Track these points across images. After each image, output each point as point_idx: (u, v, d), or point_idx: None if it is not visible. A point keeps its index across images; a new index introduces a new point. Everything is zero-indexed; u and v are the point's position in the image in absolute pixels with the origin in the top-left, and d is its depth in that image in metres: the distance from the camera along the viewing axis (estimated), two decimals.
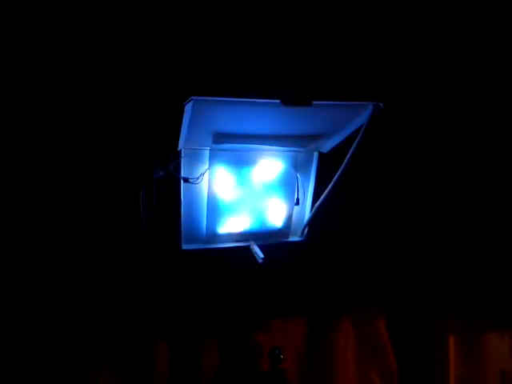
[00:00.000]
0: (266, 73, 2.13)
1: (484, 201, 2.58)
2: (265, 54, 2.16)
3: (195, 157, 1.99)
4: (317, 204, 2.13)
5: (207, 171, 2.00)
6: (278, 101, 1.73)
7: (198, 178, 1.99)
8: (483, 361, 2.62)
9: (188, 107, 1.70)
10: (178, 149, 1.96)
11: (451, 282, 2.62)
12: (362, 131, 1.88)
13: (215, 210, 2.07)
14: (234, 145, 1.99)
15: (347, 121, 1.95)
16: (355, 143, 1.91)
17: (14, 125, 2.07)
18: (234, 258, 2.22)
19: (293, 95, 1.74)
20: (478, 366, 2.62)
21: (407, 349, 2.66)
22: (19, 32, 1.99)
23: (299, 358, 2.55)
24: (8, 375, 2.11)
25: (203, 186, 2.02)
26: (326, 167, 2.15)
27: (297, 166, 2.15)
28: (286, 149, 2.09)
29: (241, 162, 2.07)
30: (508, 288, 2.55)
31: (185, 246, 2.09)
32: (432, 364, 2.64)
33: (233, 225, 2.13)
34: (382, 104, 1.83)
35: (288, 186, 2.17)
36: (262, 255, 2.09)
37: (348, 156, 1.93)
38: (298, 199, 2.17)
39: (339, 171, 1.97)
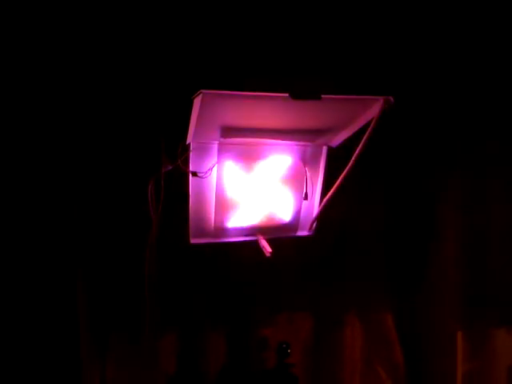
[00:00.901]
0: (275, 66, 2.12)
1: (488, 196, 2.56)
2: (274, 47, 2.14)
3: (204, 151, 1.98)
4: (325, 199, 2.11)
5: (216, 165, 2.00)
6: (286, 94, 1.71)
7: (206, 172, 1.98)
8: (491, 356, 2.61)
9: (197, 101, 1.69)
10: (187, 142, 1.95)
11: (459, 277, 2.61)
12: (371, 126, 1.87)
13: (223, 204, 2.07)
14: (243, 139, 1.98)
15: (357, 115, 1.93)
16: (365, 138, 1.89)
17: (19, 115, 2.08)
18: (242, 252, 2.22)
19: (302, 89, 1.72)
20: (486, 362, 2.61)
21: (414, 344, 2.65)
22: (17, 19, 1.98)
23: (306, 353, 2.55)
24: (9, 363, 2.11)
25: (212, 180, 2.02)
26: (334, 162, 2.14)
27: (305, 160, 2.14)
28: (294, 143, 2.08)
29: (249, 156, 2.06)
30: None
31: (193, 240, 2.10)
32: (439, 359, 2.63)
33: (241, 219, 2.13)
34: (392, 98, 1.81)
35: (296, 180, 2.16)
36: (269, 249, 2.09)
37: (357, 150, 1.91)
38: (306, 194, 2.16)
39: (348, 166, 1.95)
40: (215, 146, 1.98)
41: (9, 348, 2.10)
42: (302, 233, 2.27)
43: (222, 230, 2.12)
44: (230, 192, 2.07)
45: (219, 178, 2.02)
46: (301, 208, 2.22)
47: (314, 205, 2.22)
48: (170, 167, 1.99)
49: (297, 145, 2.10)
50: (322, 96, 1.74)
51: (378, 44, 2.26)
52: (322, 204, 2.14)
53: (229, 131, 1.92)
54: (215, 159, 1.99)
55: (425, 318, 2.65)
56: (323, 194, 2.17)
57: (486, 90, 2.42)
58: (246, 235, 2.17)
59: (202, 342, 2.43)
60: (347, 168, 1.96)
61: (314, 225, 2.26)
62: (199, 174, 1.97)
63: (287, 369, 2.36)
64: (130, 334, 2.30)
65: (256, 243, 2.15)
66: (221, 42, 2.12)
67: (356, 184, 2.18)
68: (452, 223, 2.60)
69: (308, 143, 2.11)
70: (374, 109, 1.86)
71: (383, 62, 2.27)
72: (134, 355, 2.31)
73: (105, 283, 2.24)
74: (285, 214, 2.21)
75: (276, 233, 2.20)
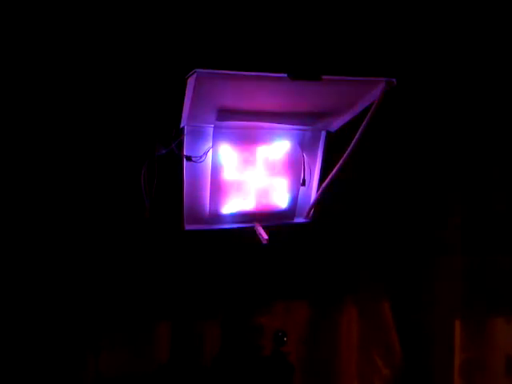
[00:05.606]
0: (274, 46, 2.07)
1: (489, 186, 2.54)
2: (273, 25, 2.09)
3: (198, 134, 1.94)
4: (323, 185, 2.08)
5: (211, 149, 1.95)
6: (284, 75, 1.66)
7: (201, 157, 1.94)
8: (489, 346, 2.61)
9: (191, 81, 1.63)
10: (181, 126, 1.90)
11: (457, 267, 2.60)
12: (372, 109, 1.82)
13: (219, 189, 2.03)
14: (239, 122, 1.93)
15: (358, 98, 1.88)
16: (365, 122, 1.85)
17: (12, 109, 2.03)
18: (238, 239, 2.19)
19: (301, 69, 1.67)
20: (484, 351, 2.62)
21: (412, 331, 2.65)
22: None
23: (303, 340, 2.55)
24: (8, 354, 2.10)
25: (206, 164, 1.97)
26: (333, 147, 2.09)
27: (303, 145, 2.10)
28: (292, 127, 2.04)
29: (245, 141, 2.01)
30: None
31: (187, 227, 2.06)
32: (437, 348, 2.63)
33: (236, 205, 2.09)
34: (394, 80, 1.76)
35: (294, 165, 2.11)
36: (266, 236, 2.05)
37: (357, 135, 1.87)
38: (304, 180, 2.12)
39: (347, 151, 1.91)
40: (210, 130, 1.93)
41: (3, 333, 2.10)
42: (299, 220, 2.23)
43: (217, 217, 2.08)
44: (226, 177, 2.02)
45: (214, 163, 1.98)
46: (298, 194, 2.17)
47: (312, 191, 2.18)
48: (164, 151, 1.94)
49: (295, 129, 2.05)
50: (323, 77, 1.68)
51: (382, 24, 2.20)
52: (320, 190, 2.11)
53: (225, 114, 1.87)
54: (210, 143, 1.94)
55: (423, 305, 2.65)
56: (321, 180, 2.13)
57: (486, 77, 2.38)
58: (242, 222, 2.13)
59: (198, 329, 2.42)
60: (346, 153, 1.92)
61: (312, 211, 2.22)
62: (194, 159, 1.93)
63: (283, 357, 2.36)
64: (124, 320, 2.29)
65: (252, 230, 2.11)
66: (218, 20, 2.05)
67: (354, 171, 2.15)
68: (454, 212, 2.59)
69: (307, 127, 2.07)
70: (375, 92, 1.81)
71: (386, 43, 2.21)
72: (128, 342, 2.31)
73: (98, 269, 2.22)
74: (282, 201, 2.16)
75: (273, 220, 2.16)
